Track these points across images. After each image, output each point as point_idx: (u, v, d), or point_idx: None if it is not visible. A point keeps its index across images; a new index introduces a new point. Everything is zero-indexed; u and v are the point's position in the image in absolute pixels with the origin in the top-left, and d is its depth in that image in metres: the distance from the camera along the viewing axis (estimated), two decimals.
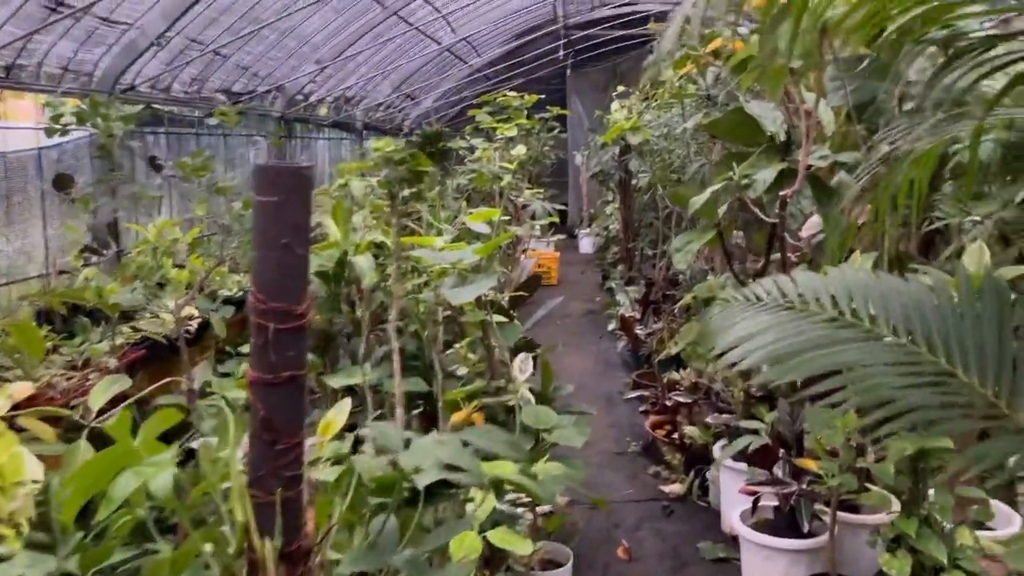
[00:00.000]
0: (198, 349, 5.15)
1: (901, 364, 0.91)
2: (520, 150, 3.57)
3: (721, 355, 1.01)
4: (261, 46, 7.60)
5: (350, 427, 3.25)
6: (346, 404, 2.63)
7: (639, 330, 6.01)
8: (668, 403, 4.55)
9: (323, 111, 10.59)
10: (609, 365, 6.63)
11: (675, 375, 4.41)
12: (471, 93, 14.75)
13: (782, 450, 3.07)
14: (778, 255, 3.57)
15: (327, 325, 3.47)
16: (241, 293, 4.68)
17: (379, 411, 2.91)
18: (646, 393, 5.13)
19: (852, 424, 2.48)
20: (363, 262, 3.33)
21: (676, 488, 4.23)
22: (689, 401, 4.36)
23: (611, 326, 7.46)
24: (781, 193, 2.70)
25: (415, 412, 3.04)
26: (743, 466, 3.20)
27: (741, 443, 3.11)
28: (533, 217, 6.73)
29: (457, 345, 3.56)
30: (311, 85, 9.43)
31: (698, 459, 4.14)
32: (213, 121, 3.67)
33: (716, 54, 3.94)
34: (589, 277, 10.22)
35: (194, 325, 4.40)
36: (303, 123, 10.03)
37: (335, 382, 2.95)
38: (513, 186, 4.01)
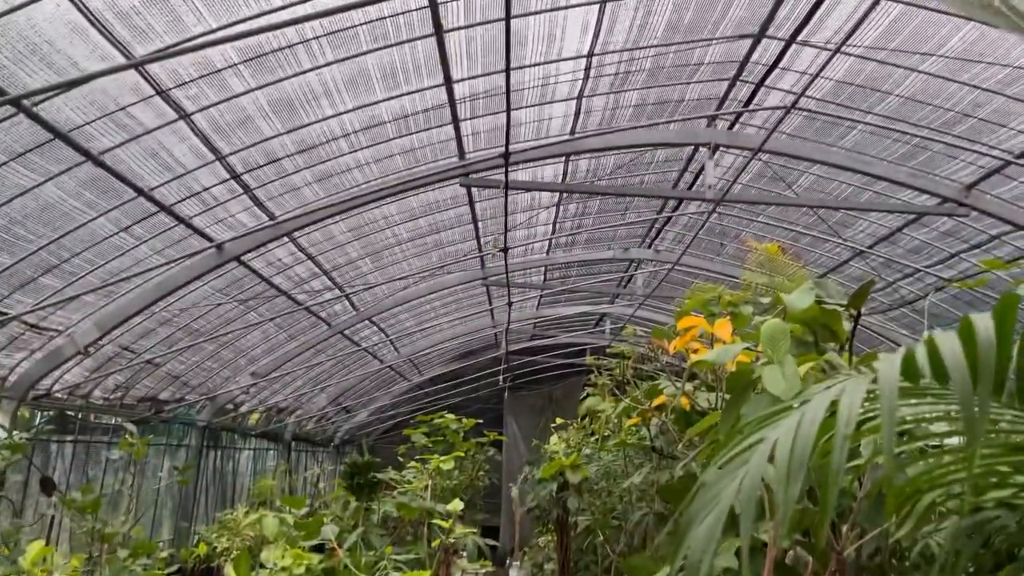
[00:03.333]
0: None
1: None
2: (456, 505, 3.28)
3: None
4: (196, 356, 7.46)
5: None
6: None
7: None
8: None
9: (253, 420, 10.25)
10: None
11: None
12: (408, 409, 14.68)
13: None
14: None
15: None
16: None
17: None
18: None
19: None
20: None
21: None
22: None
23: None
24: None
25: None
26: None
27: None
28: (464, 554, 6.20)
29: None
30: (243, 396, 9.20)
31: None
32: (116, 454, 3.31)
33: (660, 408, 3.90)
34: None
35: None
36: (229, 432, 9.62)
37: None
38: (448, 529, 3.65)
